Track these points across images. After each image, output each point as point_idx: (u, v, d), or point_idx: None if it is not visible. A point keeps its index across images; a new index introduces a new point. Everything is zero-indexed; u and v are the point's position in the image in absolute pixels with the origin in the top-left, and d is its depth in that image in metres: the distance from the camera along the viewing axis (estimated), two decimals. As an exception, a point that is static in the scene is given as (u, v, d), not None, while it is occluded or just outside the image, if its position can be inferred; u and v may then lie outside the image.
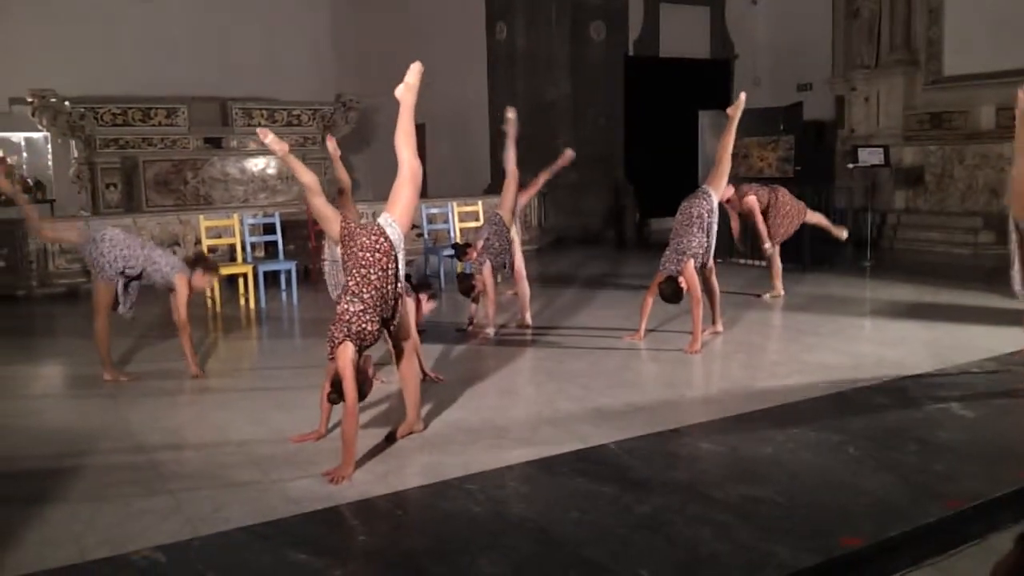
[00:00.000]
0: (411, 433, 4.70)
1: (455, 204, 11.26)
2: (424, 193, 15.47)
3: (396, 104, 4.42)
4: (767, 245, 8.53)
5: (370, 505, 3.75)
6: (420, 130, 16.38)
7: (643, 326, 6.88)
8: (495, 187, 14.15)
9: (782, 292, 8.68)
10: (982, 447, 4.32)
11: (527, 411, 5.16)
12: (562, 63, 14.40)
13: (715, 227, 6.76)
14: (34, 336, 8.06)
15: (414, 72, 4.37)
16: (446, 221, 11.17)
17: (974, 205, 12.22)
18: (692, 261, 6.59)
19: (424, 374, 5.49)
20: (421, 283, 6.25)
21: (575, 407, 5.20)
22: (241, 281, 9.15)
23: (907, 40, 12.92)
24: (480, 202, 11.64)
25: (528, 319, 7.55)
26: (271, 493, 3.94)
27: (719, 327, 7.11)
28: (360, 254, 4.20)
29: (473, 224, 11.23)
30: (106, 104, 12.56)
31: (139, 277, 6.00)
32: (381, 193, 14.66)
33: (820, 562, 3.15)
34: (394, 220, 4.28)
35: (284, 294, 9.40)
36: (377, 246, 4.19)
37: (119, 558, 3.32)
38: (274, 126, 13.52)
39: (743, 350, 6.69)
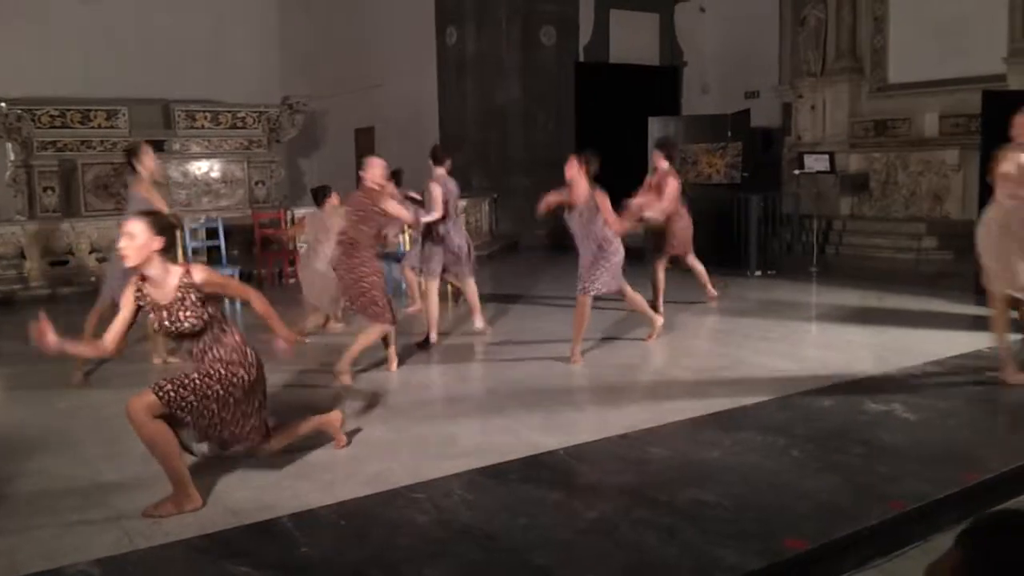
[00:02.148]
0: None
1: (404, 208, 11.11)
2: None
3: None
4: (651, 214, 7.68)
5: (313, 515, 3.67)
6: (370, 133, 16.31)
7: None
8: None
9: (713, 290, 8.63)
10: (925, 449, 4.37)
11: (475, 418, 5.12)
12: (513, 68, 14.42)
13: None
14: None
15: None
16: (396, 226, 11.02)
17: (918, 211, 12.46)
18: None
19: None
20: None
21: (523, 413, 5.16)
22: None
23: (852, 48, 13.15)
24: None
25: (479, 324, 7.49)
26: (211, 505, 3.84)
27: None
28: None
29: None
30: (44, 106, 12.27)
31: None
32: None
33: (765, 565, 3.16)
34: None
35: (227, 300, 9.21)
36: None
37: (54, 572, 3.22)
38: (218, 128, 13.31)
39: (691, 354, 6.72)
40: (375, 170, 6.00)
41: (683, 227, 8.17)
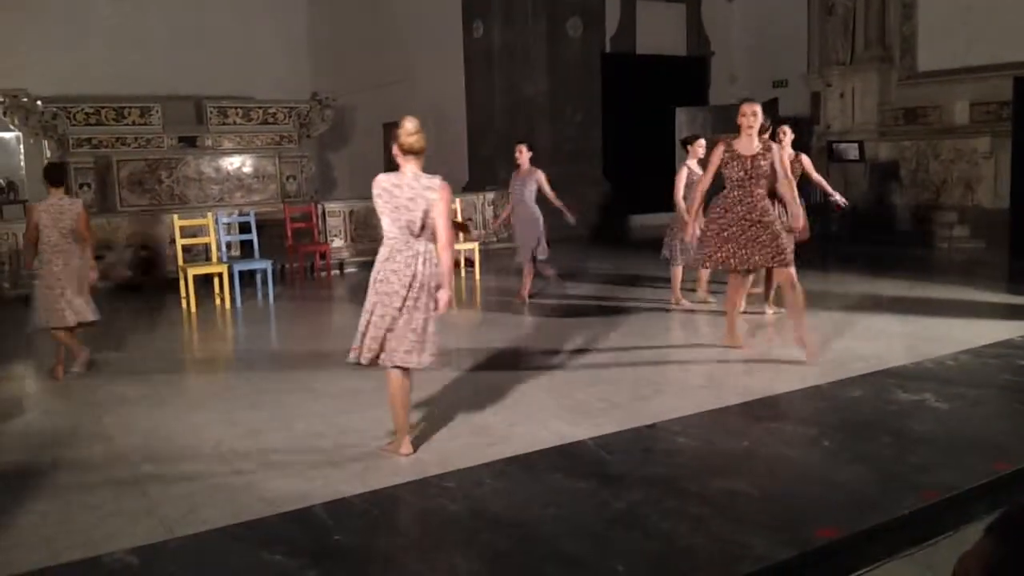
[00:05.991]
0: None
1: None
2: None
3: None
4: None
5: (345, 504, 3.72)
6: (397, 127, 16.17)
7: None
8: (474, 184, 14.12)
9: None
10: (956, 439, 4.34)
11: (504, 408, 5.15)
12: (539, 60, 14.39)
13: None
14: (4, 338, 7.94)
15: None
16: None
17: (949, 199, 12.31)
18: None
19: None
20: None
21: (552, 404, 5.19)
22: (216, 281, 9.08)
23: (881, 36, 13.01)
24: (458, 200, 11.58)
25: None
26: (245, 493, 3.91)
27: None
28: None
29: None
30: (79, 103, 12.40)
31: None
32: (359, 191, 14.49)
33: (796, 554, 3.16)
34: None
35: (260, 294, 9.33)
36: None
37: (91, 561, 3.28)
38: (250, 124, 13.41)
39: (718, 346, 6.70)
40: None
41: None
